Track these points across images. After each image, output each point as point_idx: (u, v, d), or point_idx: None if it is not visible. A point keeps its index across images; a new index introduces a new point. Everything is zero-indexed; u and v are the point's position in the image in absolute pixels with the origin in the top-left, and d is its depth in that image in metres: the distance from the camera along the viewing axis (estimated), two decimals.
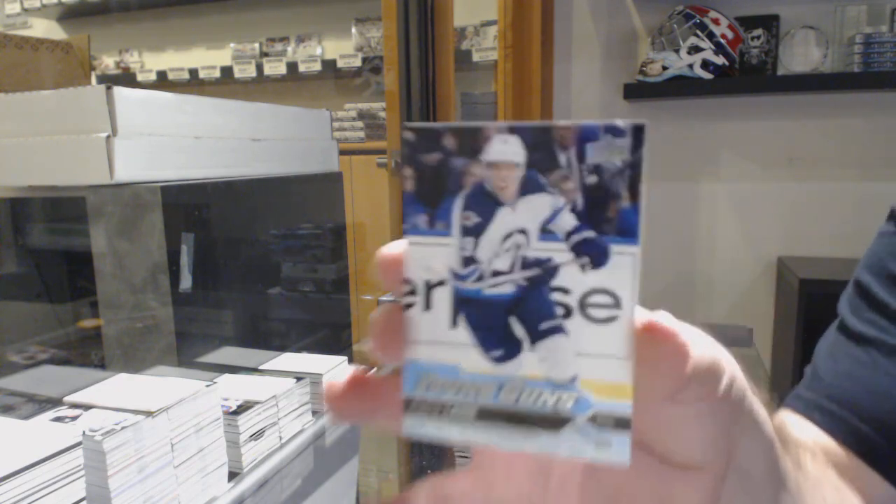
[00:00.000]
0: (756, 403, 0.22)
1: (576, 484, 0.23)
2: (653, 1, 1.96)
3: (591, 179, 0.18)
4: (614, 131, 0.18)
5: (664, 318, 0.18)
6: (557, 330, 0.18)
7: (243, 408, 0.67)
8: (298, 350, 0.90)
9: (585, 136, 0.18)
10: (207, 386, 0.63)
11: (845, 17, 1.80)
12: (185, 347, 0.74)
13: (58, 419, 0.57)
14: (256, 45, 2.81)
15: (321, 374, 0.79)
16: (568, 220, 0.18)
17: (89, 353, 0.88)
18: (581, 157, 0.18)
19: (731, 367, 0.20)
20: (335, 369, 0.82)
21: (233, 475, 0.66)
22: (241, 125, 0.89)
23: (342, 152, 1.15)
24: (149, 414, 0.57)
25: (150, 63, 3.00)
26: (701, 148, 2.01)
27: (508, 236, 0.19)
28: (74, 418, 0.57)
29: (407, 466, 0.79)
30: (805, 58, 1.83)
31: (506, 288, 0.19)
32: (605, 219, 0.18)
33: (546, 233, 0.18)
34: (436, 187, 0.19)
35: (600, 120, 0.18)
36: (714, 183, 2.01)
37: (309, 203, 1.03)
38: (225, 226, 0.83)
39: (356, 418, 0.21)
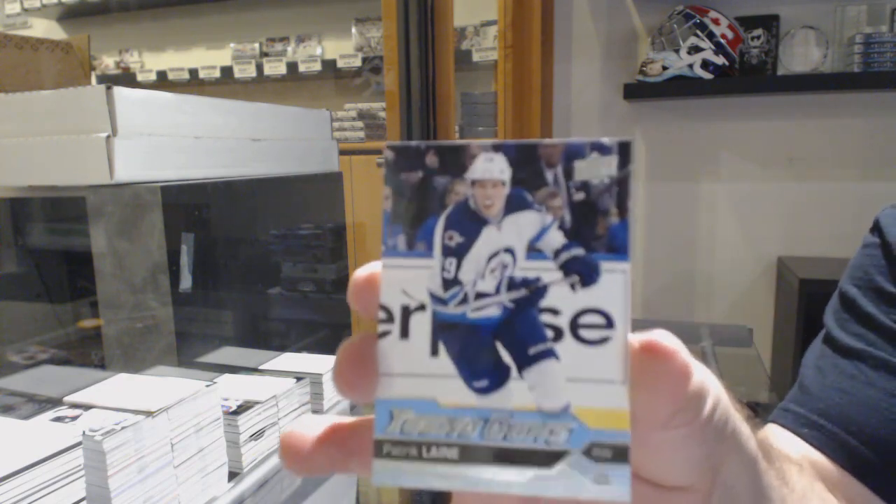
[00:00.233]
0: (739, 421, 0.22)
1: None
2: (653, 1, 1.96)
3: (579, 196, 0.17)
4: (601, 149, 0.17)
5: (663, 337, 0.17)
6: (548, 354, 0.17)
7: (243, 408, 0.67)
8: (298, 350, 0.90)
9: (572, 154, 0.17)
10: (207, 386, 0.63)
11: (845, 17, 1.80)
12: (185, 347, 0.74)
13: (58, 419, 0.57)
14: (256, 45, 2.81)
15: (321, 374, 0.79)
16: (556, 238, 0.17)
17: (89, 353, 0.88)
18: (568, 174, 0.17)
19: (714, 389, 0.20)
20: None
21: (233, 475, 0.66)
22: (241, 125, 0.89)
23: (342, 152, 1.15)
24: (149, 414, 0.57)
25: (150, 63, 3.00)
26: (701, 148, 2.01)
27: (494, 256, 0.18)
28: (74, 418, 0.57)
29: None
30: (805, 58, 1.83)
31: (491, 311, 0.17)
32: (594, 235, 0.17)
33: (533, 251, 0.18)
34: (417, 207, 0.18)
35: (586, 138, 0.18)
36: (714, 183, 2.01)
37: (309, 203, 1.03)
38: (225, 226, 0.83)
39: (323, 471, 0.19)
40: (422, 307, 0.18)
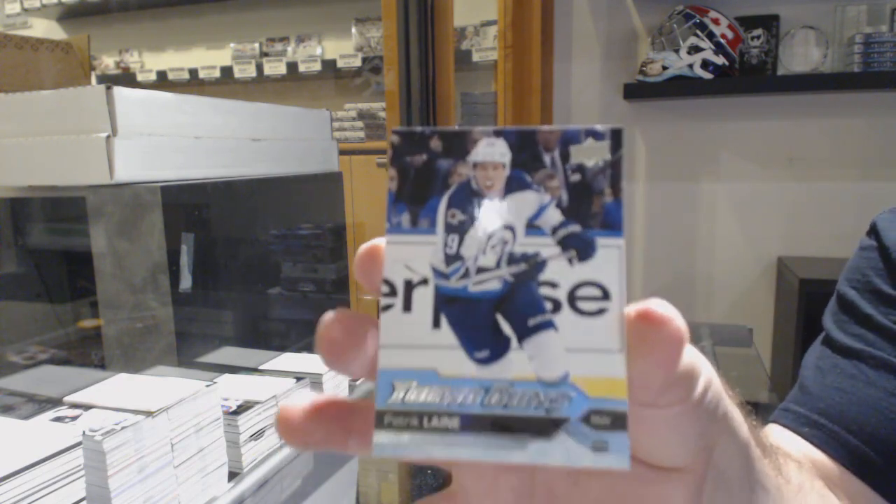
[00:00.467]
0: (731, 406, 0.22)
1: (562, 496, 0.22)
2: (653, 1, 1.96)
3: (575, 178, 0.18)
4: (595, 134, 0.18)
5: (658, 305, 0.17)
6: (547, 325, 0.18)
7: (243, 408, 0.67)
8: (298, 350, 0.90)
9: (568, 139, 0.18)
10: (207, 386, 0.63)
11: (845, 17, 1.80)
12: (185, 347, 0.74)
13: (58, 419, 0.57)
14: (256, 45, 2.81)
15: (321, 374, 0.79)
16: (554, 216, 0.18)
17: (89, 353, 0.88)
18: (565, 157, 0.18)
19: (707, 371, 0.20)
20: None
21: (233, 475, 0.66)
22: (241, 125, 0.89)
23: (342, 152, 1.15)
24: (149, 414, 0.57)
25: (150, 63, 3.00)
26: (701, 148, 2.01)
27: (495, 232, 0.18)
28: (74, 418, 0.57)
29: (407, 467, 0.79)
30: (805, 58, 1.83)
31: (492, 284, 0.18)
32: (590, 213, 0.18)
33: (532, 228, 0.18)
34: (421, 187, 0.19)
35: (581, 125, 0.19)
36: (714, 183, 2.01)
37: (309, 203, 1.03)
38: (225, 226, 0.83)
39: (319, 445, 0.19)
40: (424, 281, 0.18)
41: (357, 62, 2.53)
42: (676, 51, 1.82)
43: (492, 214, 0.18)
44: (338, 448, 0.20)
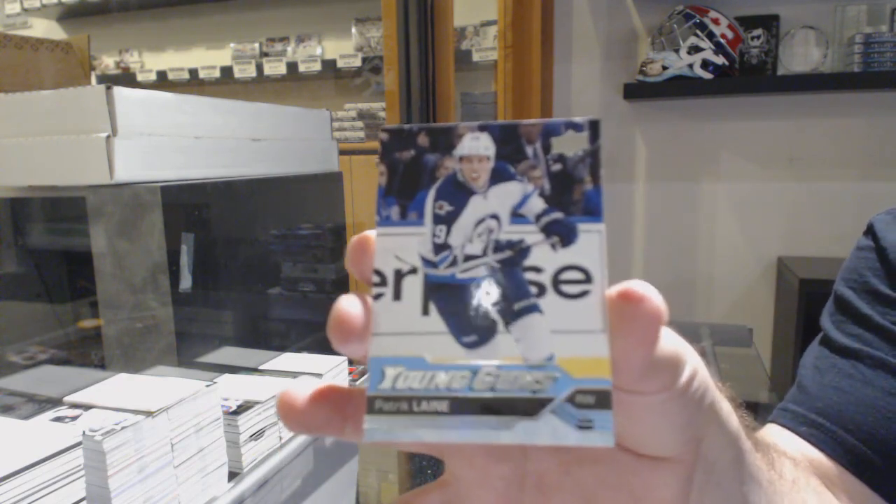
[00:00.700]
0: (720, 397, 0.23)
1: (553, 485, 0.23)
2: (653, 1, 1.96)
3: (557, 167, 0.19)
4: (574, 126, 0.19)
5: (637, 284, 0.18)
6: (532, 309, 0.18)
7: (243, 408, 0.67)
8: (298, 350, 0.90)
9: (549, 131, 0.19)
10: (207, 386, 0.63)
11: (845, 17, 1.80)
12: (185, 347, 0.74)
13: (58, 419, 0.57)
14: (256, 45, 2.81)
15: (321, 375, 0.79)
16: (537, 204, 0.19)
17: (89, 353, 0.88)
18: (546, 149, 0.19)
19: (693, 360, 0.20)
20: (335, 369, 0.82)
21: (233, 475, 0.66)
22: (241, 125, 0.89)
23: (342, 152, 1.15)
24: (149, 414, 0.57)
25: (150, 63, 3.00)
26: (701, 148, 2.01)
27: (480, 222, 0.19)
28: (74, 418, 0.57)
29: (407, 467, 0.79)
30: (805, 58, 1.83)
31: (479, 271, 0.19)
32: (571, 201, 0.19)
33: (517, 216, 0.19)
34: (409, 181, 0.19)
35: (561, 118, 0.20)
36: (714, 183, 2.01)
37: (309, 203, 1.03)
38: (225, 226, 0.83)
39: (318, 430, 0.20)
40: (413, 270, 0.19)
41: (357, 62, 2.53)
42: (676, 51, 1.82)
43: (478, 205, 0.19)
44: (334, 434, 0.20)
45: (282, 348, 0.87)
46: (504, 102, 1.91)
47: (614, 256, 2.07)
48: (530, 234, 0.19)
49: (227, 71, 2.72)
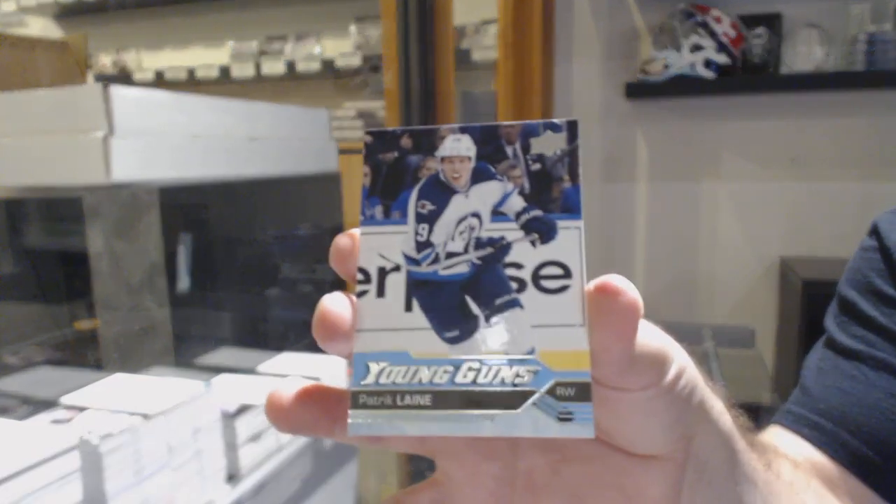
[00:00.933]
0: (710, 396, 0.23)
1: (543, 483, 0.23)
2: None
3: (536, 167, 0.20)
4: (553, 127, 0.20)
5: (614, 278, 0.18)
6: (513, 304, 0.19)
7: (241, 410, 0.67)
8: (296, 351, 0.90)
9: (528, 132, 0.20)
10: (205, 388, 0.62)
11: (848, 16, 1.80)
12: (183, 348, 0.73)
13: (54, 421, 0.56)
14: (254, 44, 2.80)
15: (318, 378, 0.78)
16: (517, 202, 0.20)
17: (86, 354, 0.87)
18: (526, 149, 0.20)
19: (680, 358, 0.20)
20: (332, 370, 0.81)
21: (230, 478, 0.66)
22: (239, 124, 0.88)
23: (341, 152, 1.15)
24: (146, 416, 0.56)
25: (147, 62, 2.99)
26: (703, 147, 2.00)
27: (462, 220, 0.20)
28: (71, 420, 0.56)
29: (406, 469, 0.78)
30: (808, 56, 1.82)
31: (461, 268, 0.19)
32: (550, 199, 0.19)
33: (497, 214, 0.20)
34: (393, 181, 0.20)
35: (539, 120, 0.20)
36: (716, 182, 2.01)
37: (307, 203, 1.02)
38: (223, 226, 0.83)
39: (307, 430, 0.20)
40: (397, 268, 0.19)
41: (356, 61, 2.52)
42: (678, 49, 1.82)
43: (459, 203, 0.20)
44: (324, 434, 0.21)
45: (280, 349, 0.87)
46: (504, 102, 1.90)
47: (615, 257, 2.06)
48: (511, 232, 0.19)
49: (224, 70, 2.71)
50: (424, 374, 0.18)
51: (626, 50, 2.03)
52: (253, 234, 0.89)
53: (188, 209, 0.75)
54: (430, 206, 0.20)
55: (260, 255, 0.90)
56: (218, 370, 0.76)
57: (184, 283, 0.73)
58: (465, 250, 0.19)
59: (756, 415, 0.28)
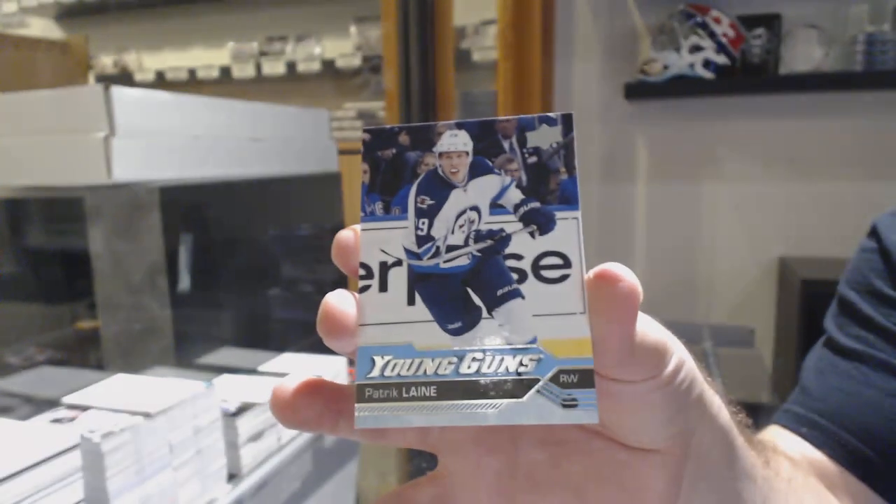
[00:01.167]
0: (709, 392, 0.23)
1: (543, 477, 0.23)
2: (654, 0, 1.96)
3: (532, 160, 0.20)
4: (548, 120, 0.20)
5: (613, 266, 0.18)
6: (514, 294, 0.19)
7: (242, 409, 0.67)
8: (297, 351, 0.90)
9: (524, 126, 0.20)
10: (206, 387, 0.62)
11: (847, 16, 1.80)
12: (184, 348, 0.73)
13: (56, 420, 0.56)
14: (255, 45, 2.80)
15: (320, 376, 0.78)
16: (515, 195, 0.20)
17: (87, 354, 0.87)
18: (522, 143, 0.20)
19: (679, 351, 0.21)
20: (334, 370, 0.81)
21: (231, 477, 0.66)
22: (240, 125, 0.89)
23: (341, 152, 1.15)
24: (147, 416, 0.56)
25: (148, 63, 2.99)
26: (702, 148, 2.00)
27: (461, 214, 0.20)
28: (72, 419, 0.56)
29: (406, 467, 0.79)
30: (807, 57, 1.83)
31: (462, 261, 0.20)
32: (547, 190, 0.20)
33: (496, 207, 0.20)
34: (392, 178, 0.20)
35: (534, 114, 0.20)
36: (715, 182, 2.01)
37: (308, 203, 1.03)
38: (223, 226, 0.83)
39: (312, 424, 0.21)
40: (398, 262, 0.20)
41: (356, 61, 2.53)
42: (677, 50, 1.82)
43: (458, 198, 0.20)
44: (329, 429, 0.21)
45: (281, 349, 0.87)
46: (504, 102, 1.90)
47: (614, 257, 2.05)
48: (509, 224, 0.20)
49: (225, 70, 2.71)
50: (429, 366, 0.18)
51: (625, 50, 2.03)
52: (253, 234, 0.89)
53: (189, 209, 0.75)
54: (429, 201, 0.20)
55: (260, 256, 0.90)
56: (219, 370, 0.76)
57: (185, 282, 0.73)
58: (466, 243, 0.20)
59: (755, 414, 0.29)
